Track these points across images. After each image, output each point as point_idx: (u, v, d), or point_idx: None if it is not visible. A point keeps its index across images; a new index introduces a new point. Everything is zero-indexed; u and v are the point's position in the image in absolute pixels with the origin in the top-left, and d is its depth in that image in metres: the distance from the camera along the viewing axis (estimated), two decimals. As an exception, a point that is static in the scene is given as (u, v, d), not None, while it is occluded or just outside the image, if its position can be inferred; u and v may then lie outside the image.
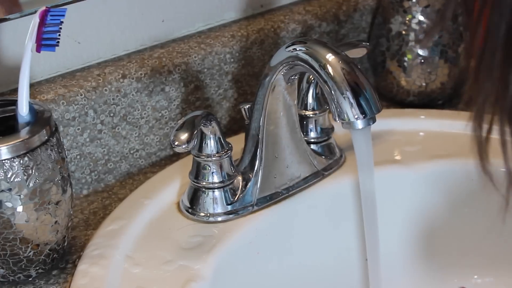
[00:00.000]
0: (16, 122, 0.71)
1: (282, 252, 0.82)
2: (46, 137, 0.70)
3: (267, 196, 0.82)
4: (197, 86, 0.92)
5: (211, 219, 0.79)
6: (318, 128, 0.87)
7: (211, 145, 0.78)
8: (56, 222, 0.72)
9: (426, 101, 1.01)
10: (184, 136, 0.73)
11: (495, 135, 0.52)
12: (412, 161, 0.88)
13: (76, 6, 0.84)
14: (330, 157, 0.87)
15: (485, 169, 0.53)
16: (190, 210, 0.80)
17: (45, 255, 0.73)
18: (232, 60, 0.94)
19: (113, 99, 0.86)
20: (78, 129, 0.85)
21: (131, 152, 0.90)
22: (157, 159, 0.92)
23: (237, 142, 0.83)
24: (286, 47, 0.75)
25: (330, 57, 0.71)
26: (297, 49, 0.74)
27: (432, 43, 0.97)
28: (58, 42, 0.69)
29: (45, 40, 0.69)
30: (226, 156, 0.79)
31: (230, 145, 0.79)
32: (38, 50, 0.69)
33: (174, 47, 0.91)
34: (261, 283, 0.80)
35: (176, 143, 0.72)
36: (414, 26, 0.97)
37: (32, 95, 0.81)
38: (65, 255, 0.77)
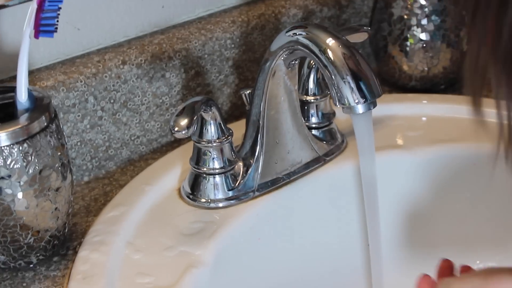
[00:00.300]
0: (15, 108, 0.71)
1: (283, 238, 0.82)
2: (45, 124, 0.70)
3: (268, 181, 0.81)
4: (197, 72, 0.92)
5: (212, 205, 0.79)
6: (319, 113, 0.87)
7: (211, 130, 0.78)
8: (56, 208, 0.72)
9: (428, 85, 1.01)
10: (184, 122, 0.72)
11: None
12: (414, 146, 0.88)
13: (75, -8, 0.83)
14: (331, 143, 0.87)
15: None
16: (191, 196, 0.80)
17: (45, 241, 0.73)
18: (232, 45, 0.94)
19: (113, 85, 0.86)
20: (79, 115, 0.84)
21: (132, 138, 0.90)
22: (158, 146, 0.92)
23: (238, 128, 0.83)
24: (286, 32, 0.75)
25: (330, 41, 0.71)
26: (297, 33, 0.74)
27: (434, 27, 0.97)
28: (56, 28, 0.69)
29: (43, 26, 0.69)
30: (227, 142, 0.78)
31: (230, 131, 0.79)
32: (36, 36, 0.69)
33: (174, 33, 0.91)
34: (262, 268, 0.80)
35: (176, 129, 0.72)
36: (416, 10, 0.97)
37: (32, 82, 0.80)
38: (66, 242, 0.77)
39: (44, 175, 0.70)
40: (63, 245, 0.77)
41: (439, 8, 0.96)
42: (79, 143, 0.86)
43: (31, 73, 0.82)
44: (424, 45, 0.98)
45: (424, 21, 0.97)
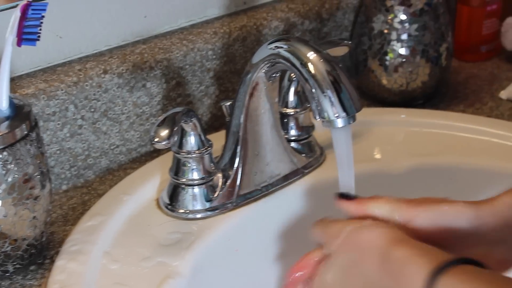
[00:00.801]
0: (-5, 116, 0.71)
1: (261, 250, 0.82)
2: (25, 132, 0.70)
3: (247, 193, 0.82)
4: (178, 83, 0.92)
5: (190, 216, 0.79)
6: (299, 126, 0.87)
7: (191, 141, 0.78)
8: (34, 217, 0.72)
9: (407, 100, 1.01)
10: (164, 132, 0.72)
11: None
12: (392, 160, 0.88)
13: (58, 1, 0.83)
14: (310, 155, 0.87)
15: None
16: (169, 207, 0.80)
17: (22, 250, 0.73)
18: (214, 56, 0.94)
19: (94, 94, 0.86)
20: (59, 124, 0.84)
21: (111, 147, 0.90)
22: (137, 155, 0.92)
23: (218, 139, 0.83)
24: (268, 45, 0.75)
25: (311, 55, 0.71)
26: (279, 46, 0.74)
27: (414, 42, 0.98)
28: (39, 36, 0.69)
29: (26, 34, 0.69)
30: (207, 153, 0.79)
31: (210, 142, 0.79)
32: (19, 44, 0.69)
33: (156, 43, 0.91)
34: (239, 280, 0.80)
35: (156, 140, 0.72)
36: (396, 25, 0.98)
37: (12, 89, 0.80)
38: (43, 251, 0.77)
39: (23, 184, 0.70)
40: (40, 254, 0.76)
41: (419, 24, 0.97)
42: (58, 152, 0.85)
43: (11, 80, 0.81)
44: (404, 60, 0.98)
45: (404, 36, 0.98)
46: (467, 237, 0.64)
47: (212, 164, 0.80)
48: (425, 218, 0.65)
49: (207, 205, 0.80)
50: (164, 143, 0.72)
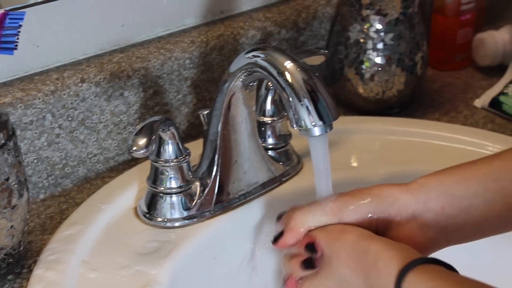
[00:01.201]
0: (-28, 125, 0.71)
1: (239, 258, 0.82)
2: (3, 141, 0.70)
3: (225, 201, 0.82)
4: (156, 91, 0.92)
5: (168, 224, 0.80)
6: (276, 135, 0.88)
7: (169, 150, 0.78)
8: (12, 226, 0.72)
9: (383, 108, 1.02)
10: (142, 141, 0.73)
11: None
12: (368, 168, 0.89)
13: (35, 10, 0.83)
14: (287, 163, 0.88)
15: None
16: (147, 215, 0.80)
17: (0, 259, 0.73)
18: (191, 65, 0.94)
19: (71, 103, 0.86)
20: (36, 133, 0.84)
21: (89, 156, 0.90)
22: (115, 164, 0.92)
23: (196, 147, 0.83)
24: (245, 54, 0.76)
25: (288, 64, 0.72)
26: (256, 55, 0.74)
27: (389, 51, 0.99)
28: (16, 45, 0.69)
29: (4, 44, 0.69)
30: (184, 161, 0.79)
31: (188, 151, 0.80)
32: (-4, 53, 0.69)
33: (133, 52, 0.91)
34: (217, 288, 0.81)
35: (134, 148, 0.72)
36: (372, 34, 0.99)
37: (-11, 98, 0.80)
38: (20, 260, 0.77)
39: (1, 193, 0.70)
40: (18, 263, 0.76)
41: (394, 33, 0.98)
42: (35, 161, 0.85)
43: (-12, 89, 0.82)
44: (380, 68, 0.99)
45: (379, 45, 0.99)
46: (386, 221, 0.68)
47: (190, 172, 0.80)
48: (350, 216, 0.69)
49: (185, 213, 0.80)
50: (142, 151, 0.72)
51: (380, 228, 0.68)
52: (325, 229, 0.68)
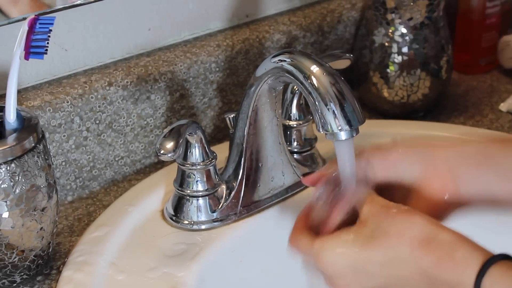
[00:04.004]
0: (3, 128, 0.72)
1: (265, 260, 0.83)
2: (33, 144, 0.71)
3: (251, 204, 0.83)
4: (182, 95, 0.93)
5: (195, 227, 0.80)
6: (302, 138, 0.88)
7: (196, 153, 0.79)
8: (41, 228, 0.73)
9: (408, 112, 1.02)
10: (170, 144, 0.73)
11: None
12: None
13: (63, 14, 0.84)
14: (313, 167, 0.88)
15: None
16: (174, 218, 0.81)
17: (30, 261, 0.74)
18: (217, 69, 0.95)
19: (99, 106, 0.87)
20: (64, 136, 0.85)
21: (116, 159, 0.90)
22: (142, 167, 0.93)
23: (221, 150, 0.84)
24: (272, 58, 0.76)
25: (314, 68, 0.72)
26: (282, 60, 0.75)
27: (414, 55, 0.99)
28: (46, 50, 0.70)
29: (34, 48, 0.70)
30: (211, 165, 0.80)
31: (214, 154, 0.80)
32: (26, 57, 0.70)
33: (160, 56, 0.92)
34: (243, 290, 0.81)
35: (162, 152, 0.73)
36: (397, 38, 0.99)
37: (18, 101, 0.81)
38: (49, 261, 0.78)
39: (31, 195, 0.71)
40: (47, 264, 0.77)
41: (419, 37, 0.98)
42: (63, 163, 0.86)
43: (18, 92, 0.82)
44: (404, 72, 1.00)
45: (404, 49, 0.99)
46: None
47: (216, 175, 0.81)
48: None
49: (212, 216, 0.81)
50: (169, 155, 0.73)
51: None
52: (388, 204, 0.65)
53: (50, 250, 0.77)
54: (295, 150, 0.88)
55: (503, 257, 0.58)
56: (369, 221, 0.64)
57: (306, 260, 0.69)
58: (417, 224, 0.62)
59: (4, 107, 0.72)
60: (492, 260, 0.58)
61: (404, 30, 0.99)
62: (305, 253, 0.68)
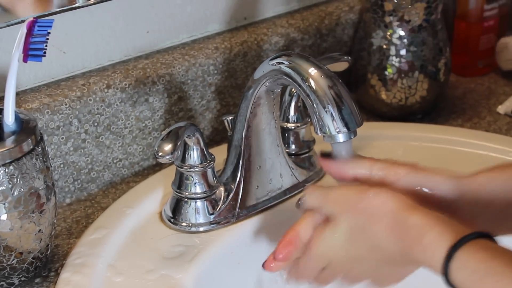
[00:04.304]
0: (1, 131, 0.72)
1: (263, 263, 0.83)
2: (31, 146, 0.71)
3: (249, 207, 0.83)
4: (180, 97, 0.93)
5: (193, 229, 0.80)
6: (300, 141, 0.88)
7: (194, 156, 0.79)
8: (39, 230, 0.73)
9: (406, 114, 1.03)
10: (168, 147, 0.73)
11: None
12: (392, 174, 0.89)
13: (62, 17, 0.84)
14: (310, 169, 0.88)
15: None
16: (172, 220, 0.81)
17: (28, 263, 0.74)
18: (215, 71, 0.95)
19: (97, 108, 0.87)
20: (62, 138, 0.85)
21: (114, 161, 0.91)
22: (140, 169, 0.93)
23: (220, 152, 0.84)
24: (270, 60, 0.76)
25: (312, 71, 0.72)
26: (280, 62, 0.75)
27: (412, 58, 0.99)
28: (45, 52, 0.70)
29: (32, 51, 0.70)
30: (209, 167, 0.80)
31: (212, 156, 0.81)
32: (25, 60, 0.70)
33: (158, 58, 0.92)
34: (241, 293, 0.81)
35: (160, 154, 0.73)
36: (395, 40, 0.99)
37: (17, 103, 0.81)
38: (48, 264, 0.78)
39: (29, 197, 0.71)
40: (45, 266, 0.77)
41: (417, 39, 0.99)
42: (62, 165, 0.86)
43: (16, 95, 0.82)
44: (402, 75, 1.00)
45: (402, 52, 0.99)
46: (444, 206, 0.66)
47: (214, 178, 0.81)
48: (409, 180, 0.68)
49: (210, 218, 0.81)
50: (168, 157, 0.73)
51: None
52: (363, 187, 0.66)
53: (49, 252, 0.77)
54: (293, 152, 0.88)
55: (477, 236, 0.57)
56: (343, 216, 0.65)
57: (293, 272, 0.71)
58: (389, 209, 0.62)
59: (2, 109, 0.72)
60: (461, 242, 0.56)
61: (402, 33, 0.99)
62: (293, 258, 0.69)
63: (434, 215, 0.60)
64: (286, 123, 0.88)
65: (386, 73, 1.00)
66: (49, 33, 0.70)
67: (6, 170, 0.69)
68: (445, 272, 0.56)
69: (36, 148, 0.72)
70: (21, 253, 0.73)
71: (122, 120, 0.89)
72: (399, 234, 0.61)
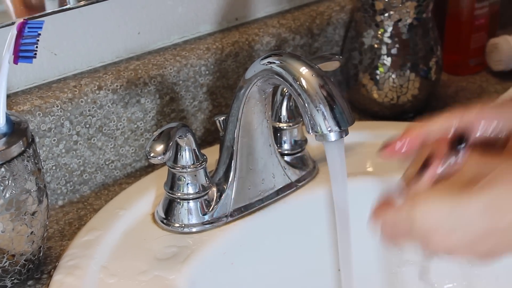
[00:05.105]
0: (-8, 133, 0.72)
1: (256, 263, 0.83)
2: (22, 148, 0.71)
3: (241, 207, 0.83)
4: (172, 98, 0.93)
5: (186, 229, 0.80)
6: (292, 140, 0.88)
7: (186, 156, 0.79)
8: (32, 232, 0.73)
9: (398, 113, 1.03)
10: (160, 147, 0.73)
11: None
12: (384, 173, 0.89)
13: (53, 18, 0.84)
14: (303, 169, 0.88)
15: None
16: (165, 221, 0.81)
17: (20, 265, 0.74)
18: (207, 72, 0.95)
19: (89, 110, 0.87)
20: (54, 140, 0.85)
21: (107, 163, 0.90)
22: (132, 170, 0.93)
23: (212, 153, 0.84)
24: (261, 60, 0.76)
25: (303, 70, 0.72)
26: (271, 62, 0.75)
27: (404, 56, 0.99)
28: (35, 54, 0.70)
29: (23, 52, 0.69)
30: (201, 167, 0.80)
31: (205, 157, 0.80)
32: (15, 62, 0.70)
33: (149, 59, 0.92)
34: (235, 293, 0.81)
35: (152, 155, 0.73)
36: (386, 40, 0.99)
37: (8, 106, 0.81)
38: (40, 266, 0.77)
39: (21, 199, 0.71)
40: (38, 269, 0.77)
41: (408, 38, 0.99)
42: (54, 167, 0.86)
43: (7, 97, 0.82)
44: (394, 74, 1.00)
45: (394, 50, 0.99)
46: None
47: (206, 178, 0.81)
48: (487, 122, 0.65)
49: (203, 219, 0.81)
50: (159, 158, 0.73)
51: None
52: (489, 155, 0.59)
53: (41, 254, 0.77)
54: (286, 152, 0.88)
55: None
56: (465, 169, 0.59)
57: (391, 232, 0.63)
58: None
59: (-7, 111, 0.72)
60: None
61: (393, 32, 0.99)
62: (392, 220, 0.63)
63: None
64: (278, 122, 0.88)
65: (378, 72, 1.00)
66: (39, 34, 0.70)
67: (-2, 172, 0.69)
68: None
69: (27, 150, 0.71)
70: (13, 256, 0.73)
71: (114, 122, 0.89)
72: None
